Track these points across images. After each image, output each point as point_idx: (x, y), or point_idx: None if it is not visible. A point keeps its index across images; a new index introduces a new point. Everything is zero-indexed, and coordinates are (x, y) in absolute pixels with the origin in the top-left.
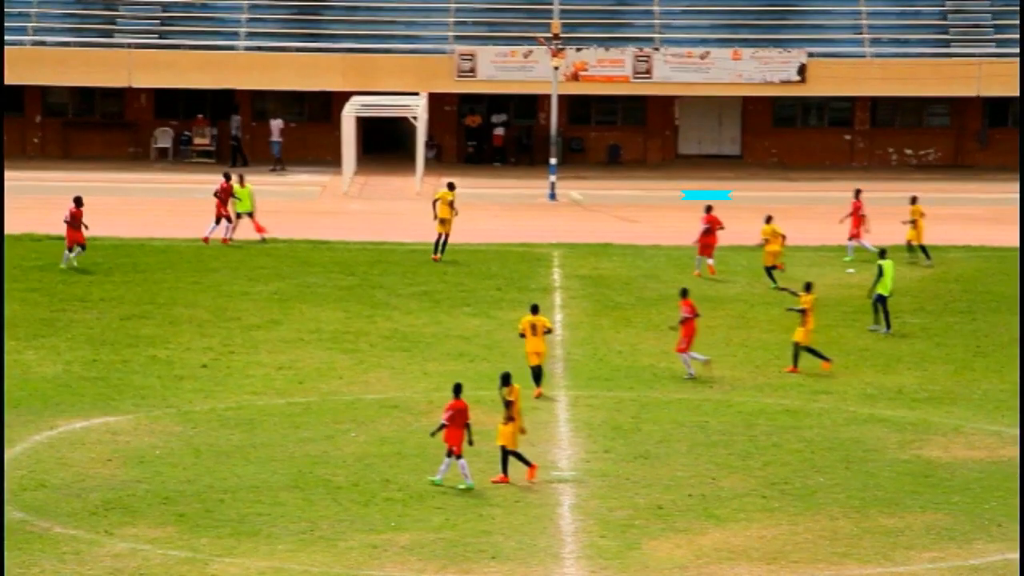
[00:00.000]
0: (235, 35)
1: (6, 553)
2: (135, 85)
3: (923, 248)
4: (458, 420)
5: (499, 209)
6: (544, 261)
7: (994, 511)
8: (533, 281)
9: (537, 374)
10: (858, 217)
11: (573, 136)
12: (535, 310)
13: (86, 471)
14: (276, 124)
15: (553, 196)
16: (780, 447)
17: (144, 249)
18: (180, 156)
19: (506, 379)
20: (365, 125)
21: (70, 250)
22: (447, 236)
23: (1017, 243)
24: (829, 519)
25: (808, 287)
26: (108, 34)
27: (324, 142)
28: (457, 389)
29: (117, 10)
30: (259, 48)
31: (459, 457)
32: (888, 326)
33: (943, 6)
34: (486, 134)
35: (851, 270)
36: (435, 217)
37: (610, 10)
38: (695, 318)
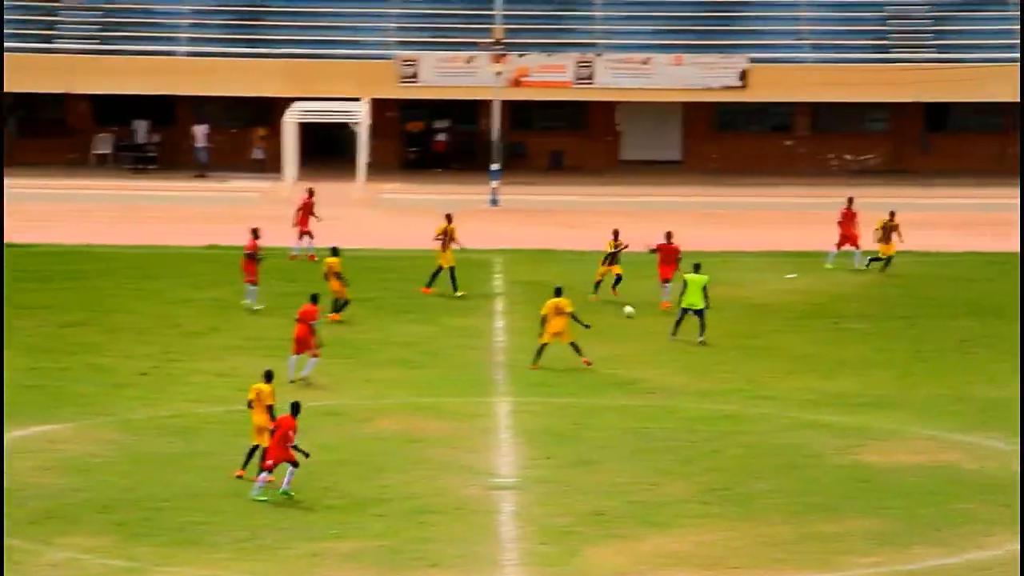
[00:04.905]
0: (176, 40)
1: None
2: (75, 91)
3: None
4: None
5: (441, 215)
6: (486, 267)
7: (933, 516)
8: (475, 287)
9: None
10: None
11: (515, 141)
12: (558, 292)
13: (25, 479)
14: (200, 129)
15: (495, 202)
16: (720, 453)
17: (84, 256)
18: (119, 162)
19: (267, 377)
20: (305, 131)
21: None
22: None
23: (961, 248)
24: (768, 525)
25: (558, 292)
26: (48, 39)
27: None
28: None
29: (57, 15)
30: (200, 53)
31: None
32: (702, 333)
33: (883, 11)
34: (428, 140)
35: (792, 275)
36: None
37: (552, 15)
38: (303, 323)
